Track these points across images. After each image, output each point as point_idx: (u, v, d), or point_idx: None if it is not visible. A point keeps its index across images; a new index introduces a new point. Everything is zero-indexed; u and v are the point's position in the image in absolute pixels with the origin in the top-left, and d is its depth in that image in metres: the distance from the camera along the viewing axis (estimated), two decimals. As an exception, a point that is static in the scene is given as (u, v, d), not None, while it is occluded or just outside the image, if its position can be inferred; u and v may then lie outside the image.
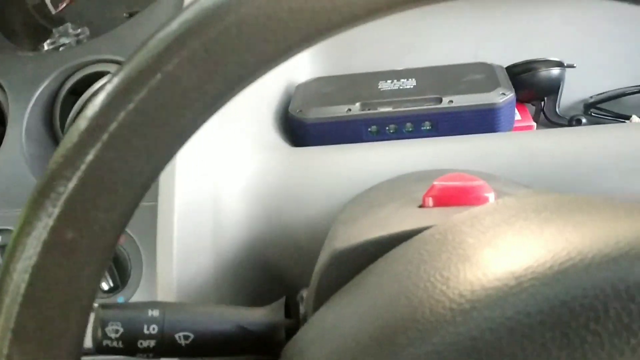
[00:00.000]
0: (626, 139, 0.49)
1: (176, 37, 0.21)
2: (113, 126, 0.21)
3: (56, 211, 0.21)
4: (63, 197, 0.21)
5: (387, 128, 0.58)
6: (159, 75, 0.21)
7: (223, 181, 0.47)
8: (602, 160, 0.47)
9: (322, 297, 0.32)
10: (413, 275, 0.25)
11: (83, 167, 0.21)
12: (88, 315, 0.23)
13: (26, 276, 0.21)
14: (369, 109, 0.59)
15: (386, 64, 0.67)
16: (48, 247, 0.21)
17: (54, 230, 0.21)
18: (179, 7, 0.49)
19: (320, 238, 0.41)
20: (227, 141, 0.49)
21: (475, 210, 0.29)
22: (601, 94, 0.66)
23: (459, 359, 0.21)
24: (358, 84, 0.63)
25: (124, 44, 0.50)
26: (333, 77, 0.65)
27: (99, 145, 0.21)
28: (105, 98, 0.21)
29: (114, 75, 0.21)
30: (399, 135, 0.58)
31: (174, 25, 0.22)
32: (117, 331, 0.31)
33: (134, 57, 0.22)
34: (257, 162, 0.50)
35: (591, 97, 0.66)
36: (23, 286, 0.21)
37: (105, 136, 0.21)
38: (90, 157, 0.21)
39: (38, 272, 0.21)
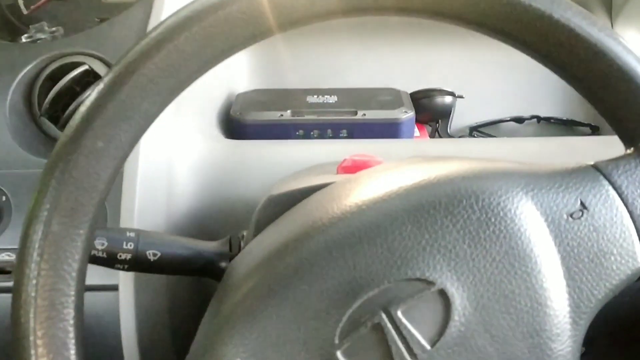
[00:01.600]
0: (489, 147, 0.64)
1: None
2: (138, 72, 0.32)
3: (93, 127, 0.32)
4: (98, 118, 0.32)
5: (312, 133, 0.71)
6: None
7: (176, 159, 0.57)
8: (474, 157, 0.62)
9: (257, 233, 0.42)
10: (320, 202, 0.36)
11: (113, 100, 0.32)
12: (103, 201, 0.33)
13: (68, 166, 0.31)
14: (297, 116, 0.71)
15: (314, 83, 0.80)
16: (84, 150, 0.31)
17: (89, 138, 0.31)
18: (148, 15, 0.60)
19: (254, 207, 0.52)
20: (179, 130, 0.59)
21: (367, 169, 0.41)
22: (484, 121, 0.82)
23: (350, 242, 0.32)
24: (290, 96, 0.75)
25: (98, 42, 0.59)
26: (269, 89, 0.78)
27: (127, 85, 0.32)
28: (133, 53, 0.32)
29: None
30: (322, 139, 0.71)
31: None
32: (102, 244, 0.40)
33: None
34: (203, 148, 0.61)
35: (476, 123, 0.82)
36: (66, 174, 0.31)
37: (132, 78, 0.32)
38: (121, 95, 0.32)
39: (76, 164, 0.31)
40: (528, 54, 0.36)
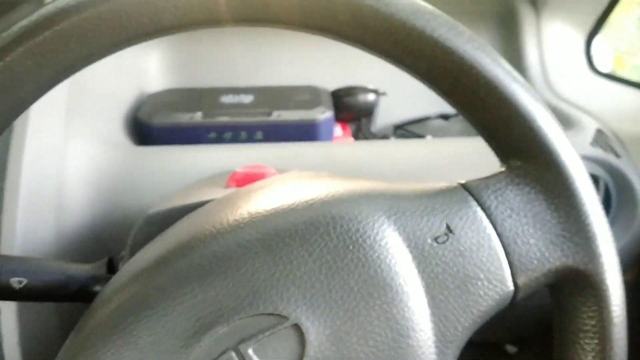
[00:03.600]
0: (409, 149, 0.62)
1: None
2: None
3: None
4: None
5: (224, 135, 0.68)
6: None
7: (67, 169, 0.54)
8: (386, 162, 0.60)
9: (133, 254, 0.40)
10: (201, 220, 0.34)
11: None
12: None
13: None
14: (209, 118, 0.68)
15: (230, 82, 0.76)
16: None
17: None
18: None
19: None
20: (75, 135, 0.56)
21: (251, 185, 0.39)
22: (409, 119, 0.80)
23: (199, 275, 0.30)
24: (203, 96, 0.72)
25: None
26: (182, 89, 0.74)
27: None
28: None
29: None
30: (236, 142, 0.68)
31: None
32: None
33: None
34: (102, 156, 0.57)
35: (401, 120, 0.80)
36: None
37: None
38: None
39: None
40: (400, 68, 0.34)
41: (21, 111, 0.31)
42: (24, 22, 0.30)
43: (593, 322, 0.33)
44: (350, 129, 0.78)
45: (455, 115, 0.80)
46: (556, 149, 0.32)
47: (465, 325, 0.31)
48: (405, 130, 0.79)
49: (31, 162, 0.51)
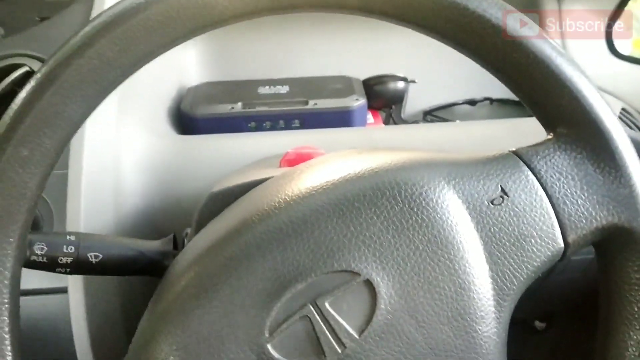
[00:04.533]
0: (441, 132, 0.65)
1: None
2: (60, 79, 0.32)
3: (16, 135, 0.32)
4: (21, 126, 0.32)
5: (264, 124, 0.71)
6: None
7: (123, 157, 0.57)
8: (419, 144, 0.63)
9: (199, 230, 0.43)
10: (270, 192, 0.37)
11: (35, 107, 0.32)
12: (33, 208, 0.33)
13: None
14: (249, 108, 0.71)
15: (266, 74, 0.80)
16: (9, 159, 0.32)
17: (13, 146, 0.32)
18: (88, 14, 0.59)
19: None
20: (126, 127, 0.59)
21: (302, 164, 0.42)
22: (437, 105, 0.83)
23: (277, 238, 0.33)
24: (241, 88, 0.75)
25: (38, 42, 0.59)
26: (220, 82, 0.77)
27: (49, 92, 0.32)
28: (53, 61, 0.32)
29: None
30: (274, 130, 0.71)
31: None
32: (42, 249, 0.40)
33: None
34: (151, 145, 0.60)
35: (429, 107, 0.83)
36: None
37: (54, 85, 0.32)
38: (43, 102, 0.32)
39: (1, 174, 0.31)
40: (451, 46, 0.37)
41: (108, 93, 0.34)
42: (112, 11, 0.33)
43: (638, 276, 0.36)
44: (381, 116, 0.81)
45: (482, 100, 0.83)
46: (600, 116, 0.35)
47: (520, 280, 0.34)
48: (433, 116, 0.82)
49: (90, 152, 0.54)
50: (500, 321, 0.34)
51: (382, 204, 0.33)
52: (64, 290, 0.52)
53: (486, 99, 0.82)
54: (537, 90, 0.35)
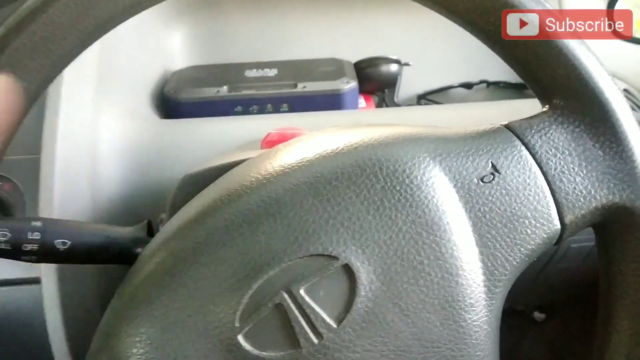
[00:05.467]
0: (435, 114, 0.62)
1: None
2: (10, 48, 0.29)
3: None
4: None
5: (251, 108, 0.68)
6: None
7: (99, 141, 0.54)
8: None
9: (173, 214, 0.40)
10: (244, 172, 0.34)
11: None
12: None
13: None
14: (235, 92, 0.68)
15: (253, 57, 0.77)
16: None
17: None
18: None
19: None
20: (105, 110, 0.56)
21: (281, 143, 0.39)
22: (432, 89, 0.80)
23: (248, 220, 0.30)
24: (227, 71, 0.72)
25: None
26: (205, 65, 0.75)
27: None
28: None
29: None
30: (262, 114, 0.68)
31: None
32: (5, 235, 0.37)
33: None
34: (132, 130, 0.58)
35: (424, 90, 0.80)
36: None
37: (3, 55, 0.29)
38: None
39: None
40: (439, 12, 0.34)
41: (65, 65, 0.32)
42: None
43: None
44: (373, 100, 0.78)
45: (478, 83, 0.80)
46: (599, 86, 0.32)
47: (513, 264, 0.31)
48: (428, 100, 0.79)
49: (65, 135, 0.51)
50: (492, 309, 0.31)
51: (362, 182, 0.30)
52: (37, 281, 0.50)
53: (482, 81, 0.79)
54: (531, 58, 0.32)
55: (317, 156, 0.32)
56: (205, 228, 0.31)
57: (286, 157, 0.33)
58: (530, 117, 0.33)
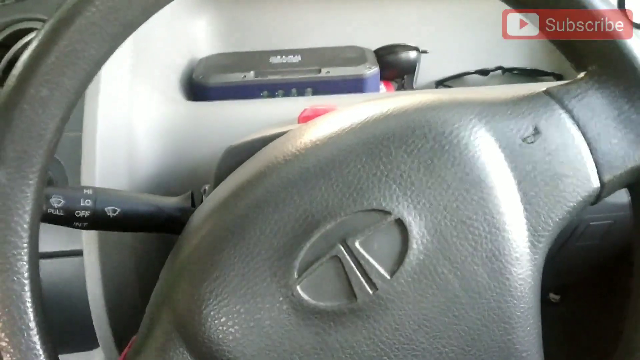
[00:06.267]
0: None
1: None
2: (80, 18, 0.31)
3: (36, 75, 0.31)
4: (41, 65, 0.31)
5: (276, 93, 0.70)
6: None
7: (136, 121, 0.56)
8: None
9: (218, 184, 0.42)
10: (294, 138, 0.36)
11: (55, 46, 0.31)
12: (52, 152, 0.32)
13: (12, 115, 0.30)
14: (261, 77, 0.70)
15: (277, 45, 0.78)
16: (28, 98, 0.31)
17: (33, 86, 0.31)
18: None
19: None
20: (139, 92, 0.58)
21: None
22: (449, 75, 0.82)
23: (305, 178, 0.32)
24: (253, 58, 0.74)
25: (49, 6, 0.58)
26: (232, 52, 0.76)
27: (69, 30, 0.31)
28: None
29: None
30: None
31: None
32: (59, 202, 0.39)
33: None
34: (164, 110, 0.60)
35: (441, 77, 0.82)
36: (11, 124, 0.30)
37: (74, 24, 0.31)
38: (63, 40, 0.31)
39: (20, 114, 0.31)
40: None
41: (130, 33, 0.33)
42: None
43: None
44: (393, 86, 0.79)
45: (494, 70, 0.82)
46: (634, 52, 0.34)
47: (555, 220, 0.33)
48: (445, 86, 0.81)
49: (104, 114, 0.53)
50: (535, 263, 0.33)
51: (412, 142, 0.32)
52: (78, 253, 0.51)
53: (498, 68, 0.81)
54: (566, 27, 0.34)
55: (367, 119, 0.33)
56: (264, 186, 0.33)
57: (337, 122, 0.35)
58: (568, 83, 0.35)
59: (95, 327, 0.52)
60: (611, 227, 0.65)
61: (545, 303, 0.88)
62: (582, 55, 0.35)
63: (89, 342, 0.51)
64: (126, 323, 0.52)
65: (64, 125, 0.33)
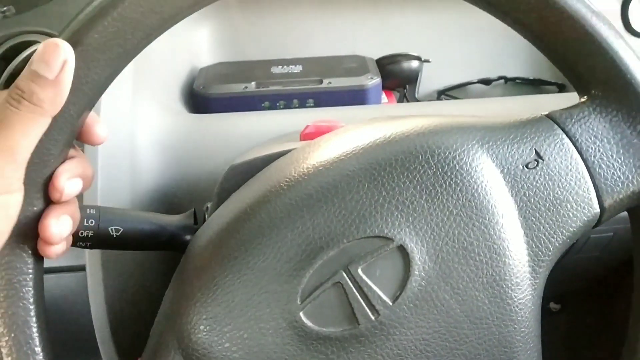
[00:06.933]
0: (457, 109, 0.64)
1: None
2: (83, 43, 0.31)
3: None
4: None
5: (277, 104, 0.70)
6: None
7: (138, 135, 0.56)
8: None
9: (220, 203, 0.42)
10: (297, 160, 0.36)
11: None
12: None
13: None
14: (262, 87, 0.70)
15: (278, 54, 0.79)
16: None
17: None
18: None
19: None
20: (141, 104, 0.58)
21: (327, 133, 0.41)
22: (451, 85, 0.82)
23: (308, 204, 0.32)
24: (254, 68, 0.74)
25: (50, 18, 0.58)
26: (233, 62, 0.76)
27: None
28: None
29: None
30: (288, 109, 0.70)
31: None
32: None
33: None
34: (166, 123, 0.60)
35: (444, 86, 0.82)
36: None
37: (76, 49, 0.31)
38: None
39: None
40: (476, 5, 0.36)
41: (133, 57, 0.34)
42: None
43: None
44: (395, 96, 0.80)
45: (496, 80, 0.82)
46: (636, 77, 0.34)
47: (556, 245, 0.33)
48: (448, 95, 0.81)
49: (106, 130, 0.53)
50: (536, 288, 0.33)
51: (414, 168, 0.32)
52: (81, 268, 0.51)
53: (500, 78, 0.81)
54: (570, 51, 0.34)
55: (370, 144, 0.34)
56: (267, 212, 0.33)
57: (339, 146, 0.35)
58: (570, 107, 0.35)
59: (98, 342, 0.52)
60: (611, 240, 0.65)
61: (545, 312, 0.89)
62: (585, 79, 0.35)
63: (92, 357, 0.52)
64: (129, 338, 0.53)
65: (68, 150, 0.33)
